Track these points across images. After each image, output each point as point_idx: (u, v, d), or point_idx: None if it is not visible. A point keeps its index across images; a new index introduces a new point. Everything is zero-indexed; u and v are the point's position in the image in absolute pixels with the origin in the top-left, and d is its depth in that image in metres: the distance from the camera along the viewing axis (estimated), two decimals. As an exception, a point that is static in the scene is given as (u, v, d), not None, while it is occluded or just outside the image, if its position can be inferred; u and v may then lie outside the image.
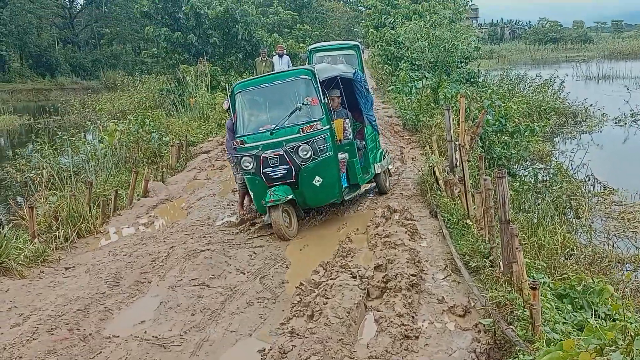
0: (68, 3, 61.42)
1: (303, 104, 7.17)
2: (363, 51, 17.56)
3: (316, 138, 7.19)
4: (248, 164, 7.32)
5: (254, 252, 6.80)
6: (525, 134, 11.37)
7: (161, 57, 25.38)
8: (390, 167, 9.70)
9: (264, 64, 16.53)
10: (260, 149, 7.21)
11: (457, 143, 8.21)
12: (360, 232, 7.32)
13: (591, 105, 19.74)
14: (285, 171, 7.20)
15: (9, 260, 6.35)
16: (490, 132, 11.14)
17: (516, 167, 12.18)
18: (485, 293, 4.99)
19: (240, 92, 7.63)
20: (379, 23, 26.89)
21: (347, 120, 8.14)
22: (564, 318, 4.48)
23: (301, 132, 7.17)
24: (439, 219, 7.36)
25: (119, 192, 9.28)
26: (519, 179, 10.66)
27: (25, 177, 11.42)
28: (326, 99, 7.59)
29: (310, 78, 7.35)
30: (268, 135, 7.24)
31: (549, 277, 5.42)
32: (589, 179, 11.15)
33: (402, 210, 7.68)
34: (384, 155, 9.03)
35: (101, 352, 4.59)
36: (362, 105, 8.54)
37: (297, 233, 7.42)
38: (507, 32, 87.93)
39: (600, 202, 10.09)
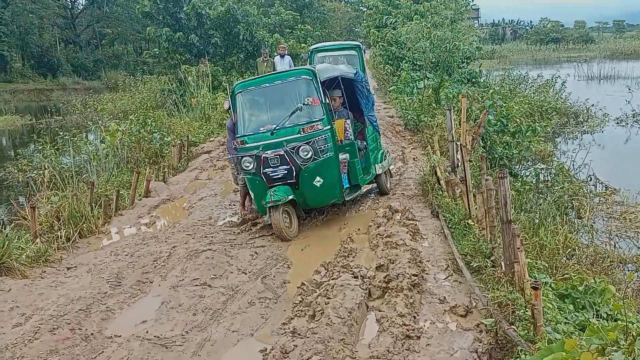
0: (70, 3, 61.51)
1: (304, 104, 7.15)
2: (365, 51, 17.55)
3: (317, 138, 7.17)
4: (248, 164, 7.30)
5: (256, 252, 6.80)
6: (527, 134, 11.35)
7: (163, 58, 25.38)
8: (391, 167, 9.70)
9: (265, 64, 16.53)
10: (260, 149, 7.19)
11: (458, 143, 8.21)
12: (362, 232, 7.32)
13: (593, 105, 19.71)
14: (286, 171, 7.19)
15: (11, 260, 6.35)
16: (492, 132, 11.13)
17: (518, 167, 12.17)
18: (486, 293, 4.98)
19: (240, 92, 7.61)
20: (380, 23, 26.89)
21: (348, 121, 8.13)
22: (566, 318, 4.48)
23: (302, 133, 7.15)
24: (441, 219, 7.36)
25: (120, 192, 9.29)
26: (520, 179, 10.64)
27: (27, 177, 11.43)
28: (327, 99, 7.57)
29: (311, 78, 7.33)
30: (269, 136, 7.22)
31: (550, 277, 5.42)
32: (591, 179, 11.15)
33: (403, 210, 7.68)
34: (385, 156, 9.01)
35: (103, 351, 4.59)
36: (363, 106, 8.53)
37: (297, 233, 7.41)
38: (508, 32, 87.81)
39: (602, 202, 10.08)
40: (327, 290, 5.32)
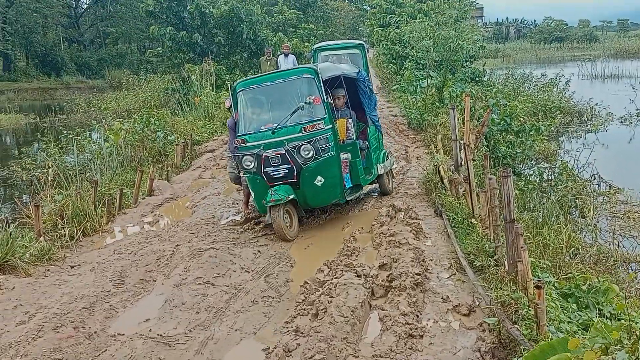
0: (73, 2, 61.61)
1: (305, 103, 7.11)
2: (368, 50, 17.56)
3: (318, 137, 7.12)
4: (249, 163, 7.26)
5: (259, 251, 6.80)
6: (531, 133, 11.33)
7: (166, 56, 25.41)
8: (394, 166, 9.68)
9: (268, 62, 16.54)
10: (261, 148, 7.15)
11: (462, 142, 8.19)
12: (365, 231, 7.32)
13: (597, 104, 19.67)
14: (287, 171, 7.15)
15: (14, 258, 6.38)
16: (495, 131, 11.12)
17: (521, 166, 12.16)
18: (490, 292, 4.98)
19: (242, 90, 7.57)
20: (383, 22, 26.86)
21: (350, 120, 8.07)
22: (569, 317, 4.47)
23: (303, 132, 7.10)
24: (444, 218, 7.35)
25: (124, 190, 9.31)
26: (524, 178, 10.64)
27: (31, 176, 11.48)
28: (329, 98, 7.54)
29: (313, 77, 7.29)
30: (270, 134, 7.18)
31: (554, 277, 5.41)
32: (595, 178, 11.13)
33: (406, 209, 7.66)
34: (387, 156, 8.96)
35: (106, 350, 4.60)
36: (365, 105, 8.49)
37: (298, 233, 7.38)
38: (512, 31, 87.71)
39: (606, 202, 10.06)
40: (330, 289, 5.31)
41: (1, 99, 36.57)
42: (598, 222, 9.07)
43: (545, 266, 5.54)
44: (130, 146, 12.48)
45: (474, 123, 10.22)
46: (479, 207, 6.71)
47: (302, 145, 7.08)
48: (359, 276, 5.61)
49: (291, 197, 7.15)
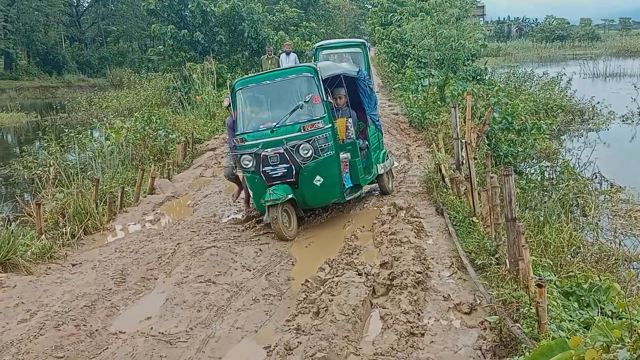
0: (75, 1, 61.72)
1: (305, 101, 7.07)
2: (369, 49, 17.58)
3: (317, 137, 7.08)
4: (248, 162, 7.22)
5: (260, 249, 6.80)
6: (532, 131, 11.34)
7: (167, 55, 25.44)
8: (395, 165, 9.67)
9: (269, 61, 16.54)
10: (260, 147, 7.10)
11: (463, 141, 8.19)
12: (366, 230, 7.31)
13: (598, 103, 19.66)
14: (286, 170, 7.10)
15: (16, 256, 6.39)
16: (497, 130, 11.12)
17: (523, 164, 12.15)
18: (491, 291, 4.98)
19: (241, 89, 7.53)
20: (385, 21, 26.90)
21: (350, 120, 8.01)
22: (570, 316, 4.47)
23: (302, 131, 7.06)
24: (445, 216, 7.35)
25: (125, 189, 9.31)
26: (525, 177, 10.64)
27: (33, 174, 11.50)
28: (329, 97, 7.51)
29: (312, 76, 7.24)
30: (268, 133, 7.13)
31: (555, 275, 5.41)
32: (596, 177, 11.12)
33: (408, 207, 7.65)
34: (387, 156, 8.91)
35: (107, 348, 4.60)
36: (365, 105, 8.44)
37: (297, 233, 7.34)
38: (514, 29, 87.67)
39: (607, 200, 10.05)
40: (332, 287, 5.32)
41: (3, 97, 36.62)
42: (599, 220, 9.06)
43: (546, 265, 5.54)
44: (132, 144, 12.48)
45: (475, 122, 10.22)
46: (480, 206, 6.70)
47: (301, 144, 7.04)
48: (360, 275, 5.60)
49: (290, 196, 7.10)
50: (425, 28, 16.26)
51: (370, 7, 42.21)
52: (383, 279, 5.56)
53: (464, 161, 7.94)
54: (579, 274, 5.37)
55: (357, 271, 5.68)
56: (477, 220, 6.64)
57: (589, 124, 18.29)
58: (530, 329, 4.11)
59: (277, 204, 7.00)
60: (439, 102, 14.80)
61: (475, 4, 26.29)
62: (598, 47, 58.84)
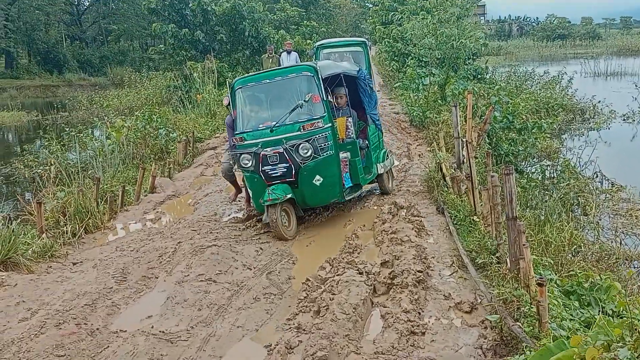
0: (76, 0, 61.62)
1: (304, 101, 7.05)
2: (370, 48, 17.57)
3: (317, 136, 7.05)
4: (247, 162, 7.19)
5: (261, 248, 6.80)
6: (533, 130, 11.33)
7: (168, 54, 25.45)
8: (395, 164, 9.66)
9: (270, 60, 16.54)
10: (259, 146, 7.07)
11: (464, 140, 8.18)
12: (367, 229, 7.31)
13: (599, 102, 19.63)
14: (285, 169, 7.08)
15: (17, 255, 6.39)
16: (498, 129, 11.11)
17: (523, 163, 12.14)
18: (492, 290, 4.97)
19: (240, 87, 7.50)
20: (386, 19, 26.86)
21: (350, 119, 7.97)
22: (571, 315, 4.47)
23: (302, 130, 7.04)
24: (446, 215, 7.35)
25: (126, 188, 9.32)
26: (526, 176, 10.62)
27: (33, 173, 11.50)
28: (329, 97, 7.48)
29: (312, 75, 7.21)
30: (268, 133, 7.11)
31: (556, 274, 5.40)
32: (597, 176, 11.10)
33: (408, 206, 7.65)
34: (387, 155, 8.87)
35: (108, 346, 4.61)
36: (365, 104, 8.40)
37: (296, 233, 7.32)
38: (514, 28, 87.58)
39: (608, 199, 10.04)
40: (332, 286, 5.32)
41: (3, 96, 36.62)
42: (600, 219, 9.05)
43: (547, 264, 5.54)
44: (132, 143, 12.48)
45: (476, 121, 10.22)
46: (481, 205, 6.70)
47: (300, 143, 7.01)
48: (360, 273, 5.60)
49: (289, 196, 7.07)
50: (426, 27, 16.27)
51: (371, 6, 42.17)
52: (384, 278, 5.56)
53: (465, 160, 7.94)
54: (580, 273, 5.36)
55: (357, 270, 5.68)
56: (477, 219, 6.64)
57: (589, 123, 18.27)
58: (531, 328, 4.12)
59: (276, 204, 6.97)
60: (439, 101, 14.80)
61: (476, 3, 26.27)
62: (599, 46, 58.78)
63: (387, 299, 5.22)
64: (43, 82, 45.89)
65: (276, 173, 7.12)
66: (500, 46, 57.75)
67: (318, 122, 7.09)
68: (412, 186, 9.05)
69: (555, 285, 4.93)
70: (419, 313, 4.89)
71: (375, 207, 8.13)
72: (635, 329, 3.31)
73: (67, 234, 7.45)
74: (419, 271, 5.53)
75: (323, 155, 7.12)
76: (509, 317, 4.40)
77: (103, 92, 30.57)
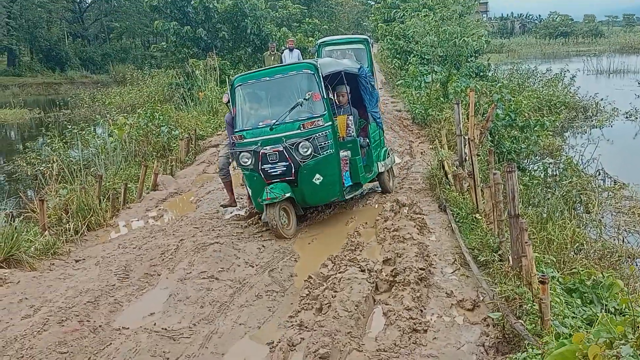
0: (78, -3, 61.68)
1: (304, 99, 7.00)
2: (372, 45, 17.54)
3: (317, 135, 7.00)
4: (246, 160, 7.15)
5: (263, 246, 6.81)
6: (535, 128, 11.30)
7: (170, 51, 25.42)
8: (397, 162, 9.66)
9: (272, 57, 16.54)
10: (259, 144, 7.03)
11: (466, 137, 8.18)
12: (369, 226, 7.31)
13: (602, 99, 19.58)
14: (285, 168, 7.03)
15: (20, 252, 6.40)
16: (500, 127, 11.09)
17: (526, 161, 12.12)
18: (494, 287, 4.98)
19: (240, 85, 7.45)
20: (388, 17, 26.85)
21: (351, 117, 7.91)
22: (573, 312, 4.47)
23: (302, 129, 7.00)
24: (448, 213, 7.35)
25: (128, 185, 9.31)
26: (528, 174, 10.61)
27: (36, 171, 11.49)
28: (329, 95, 7.44)
29: (312, 72, 7.15)
30: (268, 131, 7.07)
31: (558, 272, 5.40)
32: (599, 174, 11.08)
33: (411, 204, 7.65)
34: (388, 154, 8.82)
35: (111, 343, 4.62)
36: (366, 102, 8.33)
37: (295, 232, 7.28)
38: (517, 26, 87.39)
39: (611, 197, 10.02)
40: (334, 283, 5.32)
41: (6, 93, 36.65)
42: (603, 217, 9.04)
43: (549, 261, 5.54)
44: (135, 141, 12.49)
45: (478, 118, 10.20)
46: (483, 202, 6.70)
47: (300, 142, 6.96)
48: (363, 271, 5.60)
49: (287, 195, 7.02)
50: (428, 24, 16.23)
51: (373, 3, 42.18)
52: (386, 276, 5.56)
53: (467, 158, 7.93)
54: (582, 270, 5.36)
55: (359, 267, 5.68)
56: (480, 217, 6.64)
57: (592, 121, 18.23)
58: (533, 325, 4.12)
59: (275, 203, 6.94)
60: (442, 99, 14.79)
61: (478, 0, 26.22)
62: (602, 44, 58.59)
63: (389, 297, 5.23)
64: (45, 80, 45.90)
65: (276, 171, 7.08)
66: (503, 44, 57.53)
67: (318, 120, 7.05)
68: (414, 184, 9.05)
69: (558, 283, 4.93)
70: (421, 311, 4.89)
71: (377, 205, 8.13)
72: (638, 327, 3.31)
73: (69, 231, 7.47)
74: (421, 269, 5.53)
75: (323, 154, 7.08)
76: (511, 314, 4.40)
77: (105, 90, 30.57)
